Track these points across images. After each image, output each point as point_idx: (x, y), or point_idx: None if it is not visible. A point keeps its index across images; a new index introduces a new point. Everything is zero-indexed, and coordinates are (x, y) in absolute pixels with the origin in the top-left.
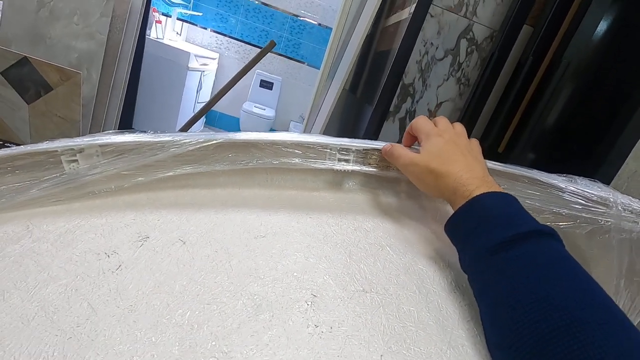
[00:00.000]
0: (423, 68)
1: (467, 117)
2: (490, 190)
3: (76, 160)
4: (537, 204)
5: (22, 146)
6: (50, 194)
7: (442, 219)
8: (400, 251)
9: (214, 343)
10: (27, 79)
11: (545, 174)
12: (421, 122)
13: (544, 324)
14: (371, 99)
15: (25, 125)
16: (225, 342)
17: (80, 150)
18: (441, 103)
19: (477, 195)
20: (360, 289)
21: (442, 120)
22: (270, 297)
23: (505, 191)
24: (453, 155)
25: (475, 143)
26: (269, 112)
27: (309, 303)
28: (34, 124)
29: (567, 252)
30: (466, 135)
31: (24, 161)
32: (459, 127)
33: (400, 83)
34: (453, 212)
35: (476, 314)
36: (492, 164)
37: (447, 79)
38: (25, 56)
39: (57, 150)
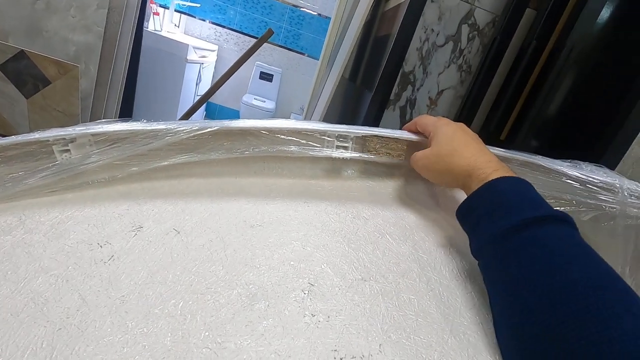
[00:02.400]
0: (424, 55)
1: (469, 105)
2: (507, 175)
3: (68, 150)
4: (540, 190)
5: (13, 136)
6: (43, 185)
7: (443, 205)
8: (400, 239)
9: (207, 333)
10: (25, 73)
11: (549, 159)
12: (427, 117)
13: (561, 309)
14: (371, 85)
15: (25, 120)
16: (219, 332)
17: (72, 140)
18: (442, 91)
19: (494, 179)
20: (359, 277)
21: (445, 118)
22: (266, 286)
23: None
24: (465, 141)
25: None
26: (269, 104)
27: (306, 292)
28: (33, 118)
29: (582, 238)
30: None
31: (15, 151)
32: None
33: (401, 71)
34: (465, 196)
35: (478, 301)
36: (493, 150)
37: (448, 66)
38: (22, 50)
39: (48, 140)
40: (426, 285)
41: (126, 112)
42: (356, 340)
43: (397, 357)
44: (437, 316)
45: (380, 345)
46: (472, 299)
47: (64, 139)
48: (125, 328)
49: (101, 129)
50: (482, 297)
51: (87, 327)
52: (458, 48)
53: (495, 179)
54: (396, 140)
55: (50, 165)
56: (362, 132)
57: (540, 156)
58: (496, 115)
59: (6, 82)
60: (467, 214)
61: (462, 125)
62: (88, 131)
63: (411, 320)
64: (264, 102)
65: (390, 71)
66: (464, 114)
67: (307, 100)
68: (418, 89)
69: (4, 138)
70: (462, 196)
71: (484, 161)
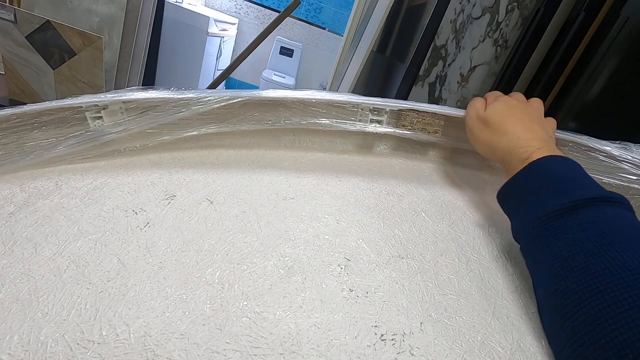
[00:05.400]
0: (457, 28)
1: (503, 83)
2: (551, 154)
3: (101, 117)
4: None
5: (47, 102)
6: (77, 152)
7: (480, 185)
8: (436, 217)
9: (245, 303)
10: (51, 44)
11: (596, 139)
12: (492, 92)
13: (612, 294)
14: (404, 57)
15: (52, 91)
16: (257, 302)
17: (104, 107)
18: (475, 67)
19: (537, 159)
20: (396, 254)
21: (519, 93)
22: (301, 259)
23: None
24: (519, 117)
25: (538, 104)
26: (289, 81)
27: (343, 267)
28: (60, 90)
29: (638, 220)
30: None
31: (50, 117)
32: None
33: (432, 45)
34: (507, 175)
35: (520, 284)
36: None
37: (483, 40)
38: (48, 20)
39: (81, 107)
40: (466, 266)
41: (148, 85)
42: (396, 317)
43: (439, 337)
44: (479, 297)
45: (421, 323)
46: (514, 282)
47: (97, 105)
48: (165, 294)
49: (132, 96)
50: (525, 281)
51: (127, 291)
52: (495, 20)
53: (539, 158)
54: (433, 115)
55: (84, 131)
56: (397, 105)
57: (587, 136)
58: (533, 95)
59: (34, 52)
60: (509, 197)
61: (532, 103)
62: (119, 98)
63: (452, 301)
64: (284, 78)
65: (426, 43)
66: None
67: (327, 76)
68: (449, 65)
69: (38, 104)
70: (499, 176)
71: (527, 139)
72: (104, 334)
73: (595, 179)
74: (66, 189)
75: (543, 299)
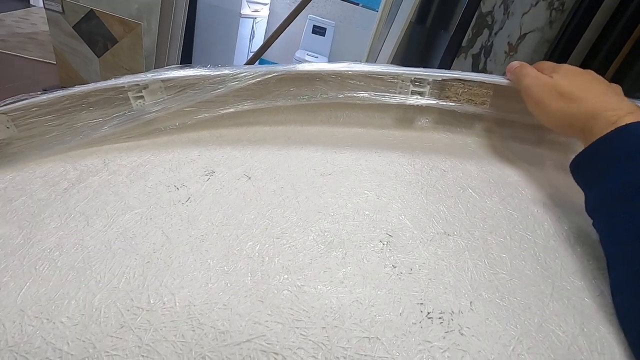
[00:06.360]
0: None
1: (559, 51)
2: None
3: (142, 97)
4: None
5: (93, 83)
6: (120, 131)
7: (535, 160)
8: (484, 194)
9: (286, 276)
10: (96, 32)
11: None
12: (541, 62)
13: None
14: (446, 26)
15: (98, 79)
16: (298, 276)
17: (145, 86)
18: (525, 35)
19: (630, 123)
20: (441, 231)
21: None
22: (341, 235)
23: None
24: (592, 82)
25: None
26: (322, 60)
27: (384, 243)
28: (104, 77)
29: None
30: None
31: (96, 98)
32: None
33: (477, 12)
34: (586, 144)
35: (582, 265)
36: None
37: (536, 3)
38: (92, 9)
39: (124, 86)
40: (519, 244)
41: None
42: (443, 295)
43: (491, 317)
44: (535, 278)
45: (471, 302)
46: (574, 262)
47: (138, 84)
48: (207, 265)
49: (170, 75)
50: (588, 261)
51: (172, 262)
52: None
53: (630, 123)
54: (481, 84)
55: (127, 111)
56: (441, 75)
57: None
58: (593, 65)
59: (80, 42)
60: (589, 163)
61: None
62: (159, 77)
63: (504, 280)
64: (317, 57)
65: (469, 11)
66: None
67: (361, 54)
68: (496, 33)
69: (85, 85)
70: (558, 152)
71: (615, 102)
72: (151, 302)
73: None
74: (113, 166)
75: (619, 278)
